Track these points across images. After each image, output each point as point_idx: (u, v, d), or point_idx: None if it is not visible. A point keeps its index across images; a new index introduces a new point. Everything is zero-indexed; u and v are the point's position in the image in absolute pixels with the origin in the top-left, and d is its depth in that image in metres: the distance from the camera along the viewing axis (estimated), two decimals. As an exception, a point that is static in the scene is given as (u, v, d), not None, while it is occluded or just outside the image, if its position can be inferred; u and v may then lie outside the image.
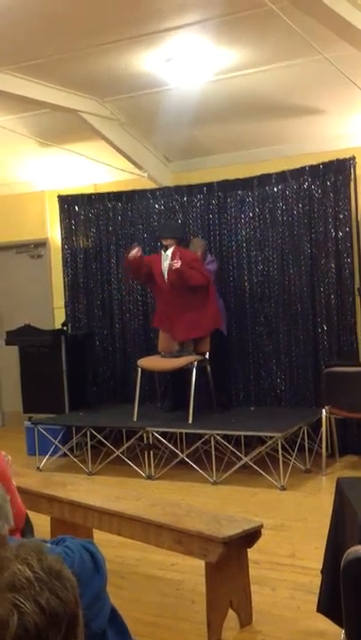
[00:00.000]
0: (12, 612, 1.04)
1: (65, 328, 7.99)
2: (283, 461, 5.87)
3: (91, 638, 1.45)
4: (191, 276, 6.61)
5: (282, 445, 5.90)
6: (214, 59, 5.57)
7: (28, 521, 3.54)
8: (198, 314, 6.70)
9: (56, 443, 6.91)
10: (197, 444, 6.43)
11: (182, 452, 6.43)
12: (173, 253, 6.74)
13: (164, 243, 6.88)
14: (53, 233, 8.55)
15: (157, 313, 7.08)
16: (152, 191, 7.67)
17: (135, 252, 6.72)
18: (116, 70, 5.80)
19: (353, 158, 6.69)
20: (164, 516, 3.68)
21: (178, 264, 6.58)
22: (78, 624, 1.13)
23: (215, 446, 6.21)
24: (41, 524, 4.07)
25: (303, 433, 6.27)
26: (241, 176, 7.22)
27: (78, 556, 1.51)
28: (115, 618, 1.59)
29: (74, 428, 6.98)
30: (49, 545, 1.53)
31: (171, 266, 6.63)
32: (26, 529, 3.36)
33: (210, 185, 7.37)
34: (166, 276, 6.76)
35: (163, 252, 6.86)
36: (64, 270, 8.08)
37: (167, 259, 6.77)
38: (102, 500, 4.03)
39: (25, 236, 8.79)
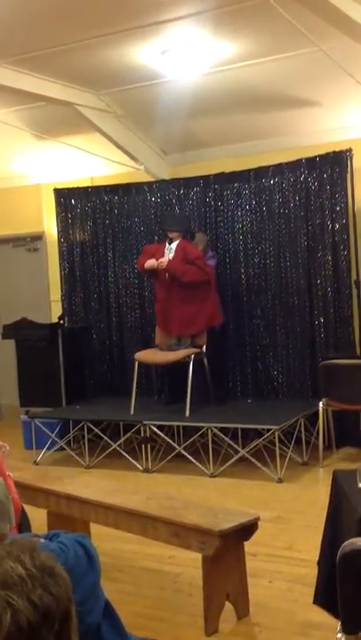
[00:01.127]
0: (4, 610, 1.04)
1: (62, 321, 7.98)
2: (280, 454, 5.88)
3: (85, 632, 1.45)
4: (185, 272, 6.60)
5: (279, 438, 5.91)
6: (211, 51, 5.56)
7: (24, 515, 3.55)
8: (195, 310, 6.70)
9: (53, 436, 6.91)
10: (195, 437, 6.43)
11: (179, 445, 6.43)
12: (177, 248, 6.74)
13: (170, 235, 6.87)
14: (50, 226, 8.53)
15: (157, 311, 7.07)
16: (149, 184, 7.66)
17: (157, 263, 6.70)
18: (112, 63, 5.79)
19: (349, 150, 6.67)
20: (161, 510, 3.69)
21: (163, 264, 6.60)
22: (71, 620, 1.13)
23: (212, 439, 6.21)
24: (38, 517, 4.08)
25: (300, 425, 6.27)
26: (237, 169, 7.20)
27: (72, 552, 1.51)
28: (109, 612, 1.59)
29: (71, 422, 6.98)
30: (43, 541, 1.53)
31: (160, 264, 6.65)
32: (22, 523, 3.36)
33: (206, 178, 7.36)
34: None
35: (167, 245, 6.85)
36: (61, 264, 8.07)
37: (171, 252, 6.76)
38: (99, 494, 4.04)
39: (21, 229, 8.78)
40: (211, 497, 5.46)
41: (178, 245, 6.77)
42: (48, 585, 1.10)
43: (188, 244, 6.84)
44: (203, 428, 6.29)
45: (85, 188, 8.00)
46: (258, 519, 3.58)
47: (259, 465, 5.98)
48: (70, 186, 8.06)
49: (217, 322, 6.94)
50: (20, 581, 1.08)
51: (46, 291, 8.67)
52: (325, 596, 3.00)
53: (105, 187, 7.88)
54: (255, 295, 7.19)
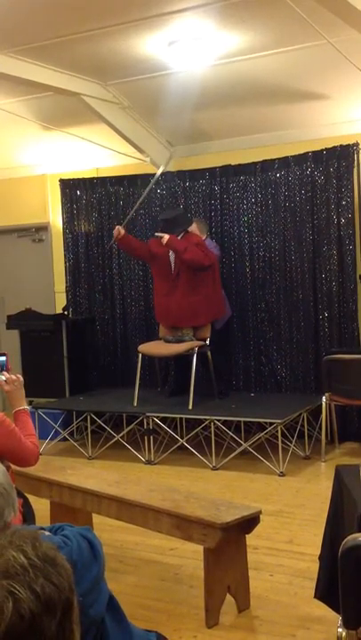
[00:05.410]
0: (6, 599, 1.04)
1: (66, 312, 7.98)
2: (282, 448, 5.88)
3: (89, 625, 1.46)
4: (186, 248, 6.54)
5: (282, 432, 5.91)
6: (218, 43, 5.53)
7: (28, 505, 3.56)
8: (201, 300, 6.67)
9: (56, 427, 6.93)
10: (197, 430, 6.44)
11: (182, 437, 6.44)
12: (180, 238, 6.71)
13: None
14: (55, 217, 8.53)
15: (157, 306, 7.05)
16: (154, 176, 7.63)
17: (115, 231, 6.90)
18: (119, 54, 5.76)
19: (356, 144, 6.66)
20: (163, 502, 3.69)
21: (165, 239, 6.56)
22: (73, 610, 1.13)
23: (215, 432, 6.22)
24: (41, 508, 4.09)
25: (303, 419, 6.27)
26: (243, 161, 7.19)
27: (76, 545, 1.52)
28: (112, 604, 1.60)
29: (74, 413, 6.99)
30: (47, 533, 1.53)
31: (161, 240, 6.61)
32: (27, 514, 3.38)
33: (212, 170, 7.34)
34: (173, 264, 6.74)
35: None
36: (65, 255, 8.07)
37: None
38: (102, 485, 4.05)
39: (26, 219, 8.77)
40: (213, 490, 5.47)
41: (182, 237, 6.75)
42: (50, 575, 1.11)
43: (188, 233, 6.80)
44: (205, 420, 6.30)
45: (91, 179, 7.99)
46: (260, 512, 3.58)
47: (261, 458, 5.99)
48: (76, 177, 8.05)
49: (221, 315, 6.92)
50: (23, 571, 1.09)
51: (51, 281, 8.67)
52: (326, 590, 3.00)
53: (110, 178, 7.87)
54: (260, 289, 7.18)
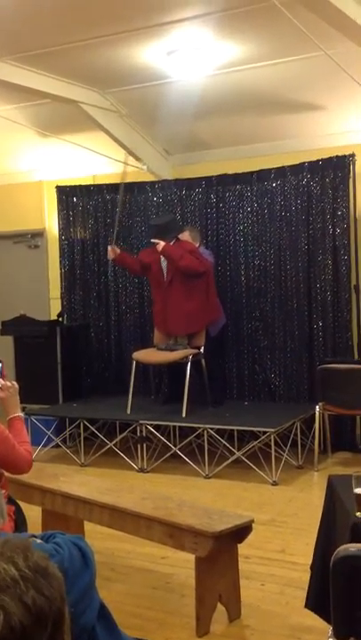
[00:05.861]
0: None
1: (60, 319, 7.98)
2: (275, 457, 5.88)
3: (80, 634, 1.45)
4: (182, 256, 6.55)
5: (275, 441, 5.91)
6: (216, 53, 5.56)
7: (21, 513, 3.56)
8: (196, 307, 6.68)
9: (49, 434, 6.92)
10: (191, 438, 6.44)
11: (175, 445, 6.44)
12: (173, 245, 6.72)
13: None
14: (51, 223, 8.54)
15: (155, 313, 7.07)
16: (151, 184, 7.66)
17: (110, 253, 6.90)
18: (117, 62, 5.79)
19: (352, 155, 6.68)
20: (155, 510, 3.69)
21: (160, 246, 6.57)
22: (64, 621, 1.13)
23: (208, 440, 6.21)
24: (33, 515, 4.08)
25: (296, 429, 6.28)
26: (240, 171, 7.21)
27: (67, 553, 1.52)
28: (103, 613, 1.59)
29: (67, 420, 6.98)
30: (38, 541, 1.53)
31: (156, 248, 6.62)
32: (19, 521, 3.37)
33: (209, 179, 7.36)
34: (165, 271, 6.75)
35: None
36: (61, 261, 8.07)
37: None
38: (94, 493, 4.04)
39: (23, 225, 8.77)
40: (205, 498, 5.47)
41: (173, 243, 6.76)
42: (41, 586, 1.10)
43: (180, 241, 6.81)
44: (199, 428, 6.30)
45: (87, 186, 8.00)
46: (252, 522, 3.58)
47: (254, 467, 5.99)
48: (72, 183, 8.06)
49: (216, 317, 6.90)
50: (13, 583, 1.08)
51: (46, 288, 8.67)
52: (317, 600, 3.01)
53: (107, 185, 7.88)
54: (254, 297, 7.20)
